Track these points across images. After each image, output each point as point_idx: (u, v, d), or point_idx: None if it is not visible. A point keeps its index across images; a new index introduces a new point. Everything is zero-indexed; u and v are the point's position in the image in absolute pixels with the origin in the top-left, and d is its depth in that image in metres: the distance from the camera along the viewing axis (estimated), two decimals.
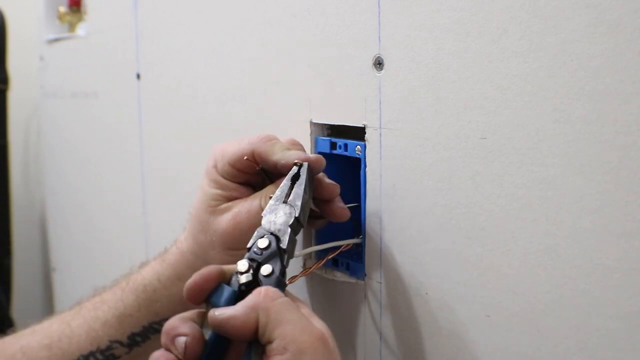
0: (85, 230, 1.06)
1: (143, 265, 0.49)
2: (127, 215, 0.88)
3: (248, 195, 0.46)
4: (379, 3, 0.43)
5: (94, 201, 1.00)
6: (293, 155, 0.44)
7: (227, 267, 0.38)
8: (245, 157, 0.44)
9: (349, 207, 0.49)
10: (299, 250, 0.47)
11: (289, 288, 0.46)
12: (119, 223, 0.92)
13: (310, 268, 0.47)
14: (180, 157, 0.72)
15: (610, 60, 0.31)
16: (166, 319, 0.46)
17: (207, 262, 0.45)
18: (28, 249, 1.52)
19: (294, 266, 0.48)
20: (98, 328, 0.46)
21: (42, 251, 1.52)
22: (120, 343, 0.46)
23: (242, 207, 0.45)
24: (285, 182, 0.43)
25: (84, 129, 1.01)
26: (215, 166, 0.46)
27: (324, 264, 0.49)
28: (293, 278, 0.47)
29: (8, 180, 1.38)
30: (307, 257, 0.52)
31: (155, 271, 0.48)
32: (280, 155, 0.44)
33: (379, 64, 0.44)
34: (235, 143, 0.46)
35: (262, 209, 0.43)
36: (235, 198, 0.46)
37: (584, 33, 0.32)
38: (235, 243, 0.45)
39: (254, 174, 0.46)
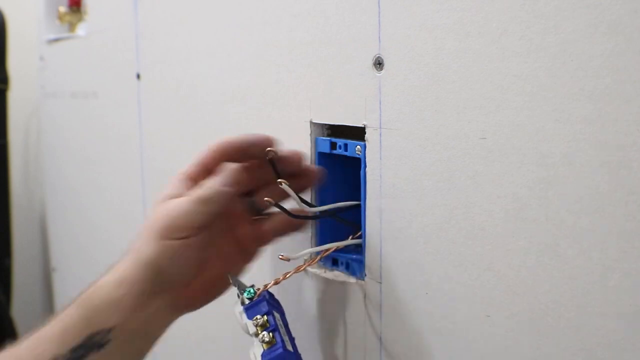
0: (85, 230, 1.06)
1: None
2: (127, 215, 0.88)
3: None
4: (379, 3, 0.43)
5: (94, 201, 1.00)
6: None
7: None
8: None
9: (349, 206, 0.49)
10: (298, 252, 0.47)
11: (284, 284, 0.46)
12: (119, 223, 0.92)
13: (304, 265, 0.47)
14: (180, 157, 0.72)
15: (610, 60, 0.31)
16: (104, 330, 0.45)
17: (133, 251, 0.46)
18: (28, 249, 1.52)
19: (292, 264, 0.47)
20: (43, 344, 0.45)
21: (42, 251, 1.52)
22: (63, 357, 0.44)
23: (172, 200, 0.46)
24: None
25: (84, 129, 1.01)
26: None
27: (322, 264, 0.49)
28: (287, 274, 0.47)
29: (8, 180, 1.38)
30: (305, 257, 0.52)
31: (101, 278, 0.47)
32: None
33: (379, 64, 0.44)
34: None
35: (186, 200, 0.45)
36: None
37: (584, 33, 0.32)
38: (161, 230, 0.45)
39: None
